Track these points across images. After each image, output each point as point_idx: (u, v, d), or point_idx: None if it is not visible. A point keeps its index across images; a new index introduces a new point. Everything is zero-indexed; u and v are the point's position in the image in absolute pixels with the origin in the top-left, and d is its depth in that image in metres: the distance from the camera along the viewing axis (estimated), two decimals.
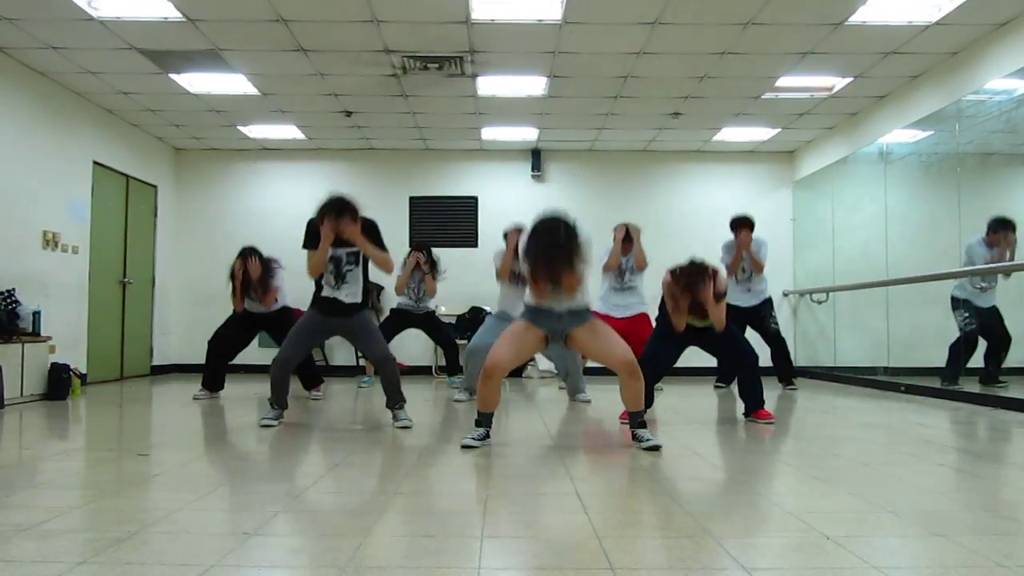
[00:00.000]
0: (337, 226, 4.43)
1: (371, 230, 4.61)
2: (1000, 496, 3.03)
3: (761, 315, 7.14)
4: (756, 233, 7.07)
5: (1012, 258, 6.19)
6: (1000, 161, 6.98)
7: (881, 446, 4.20)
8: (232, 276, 6.22)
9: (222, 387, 6.55)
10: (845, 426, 5.10)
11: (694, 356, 5.28)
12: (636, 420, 3.94)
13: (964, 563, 2.03)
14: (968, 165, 6.77)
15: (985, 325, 6.47)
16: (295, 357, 4.84)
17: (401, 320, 7.46)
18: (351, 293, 4.66)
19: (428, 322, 7.57)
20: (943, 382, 6.54)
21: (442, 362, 8.74)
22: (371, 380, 7.89)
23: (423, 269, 7.34)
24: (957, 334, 6.55)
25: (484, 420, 4.00)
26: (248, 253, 6.20)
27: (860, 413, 5.80)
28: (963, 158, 6.75)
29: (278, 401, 4.77)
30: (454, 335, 8.12)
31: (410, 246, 7.73)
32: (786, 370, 7.35)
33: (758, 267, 7.03)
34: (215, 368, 6.48)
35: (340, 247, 4.59)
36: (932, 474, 3.35)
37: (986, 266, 6.20)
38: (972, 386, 6.37)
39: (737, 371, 5.11)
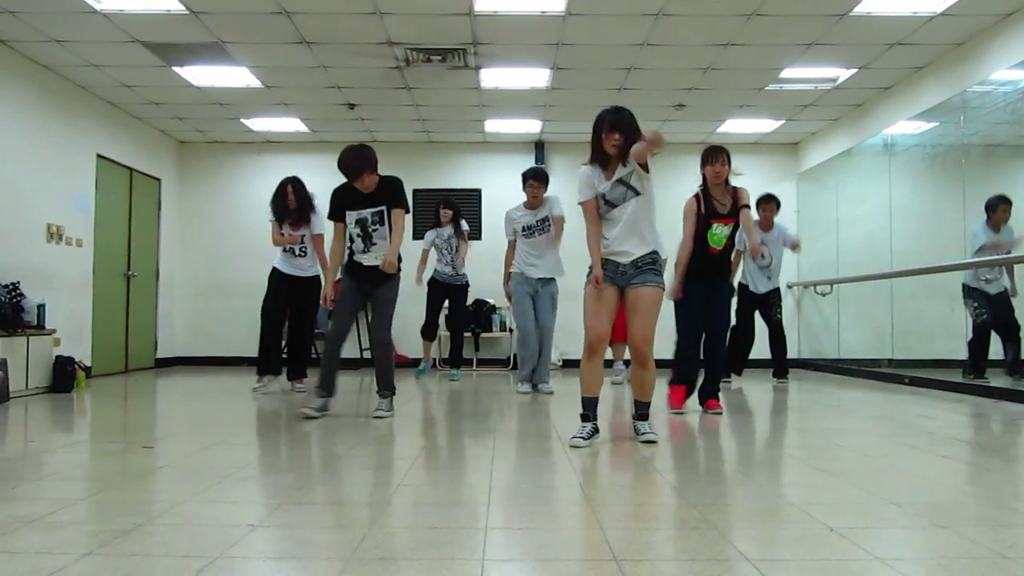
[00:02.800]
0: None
1: (393, 187, 4.63)
2: (1004, 488, 3.02)
3: (770, 302, 7.13)
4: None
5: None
6: (1005, 152, 6.94)
7: (885, 438, 4.19)
8: (275, 200, 6.12)
9: (278, 372, 6.21)
10: (849, 418, 5.10)
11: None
12: (640, 410, 3.92)
13: (968, 554, 2.04)
14: (973, 156, 6.74)
15: (997, 314, 6.31)
16: (344, 329, 4.78)
17: (440, 294, 7.53)
18: (379, 252, 4.60)
19: (458, 295, 7.61)
20: (964, 375, 6.44)
21: (444, 354, 8.74)
22: (426, 367, 7.98)
23: (458, 236, 7.38)
24: (966, 326, 6.50)
25: (591, 409, 3.80)
26: (288, 181, 6.15)
27: (864, 405, 5.80)
28: (968, 149, 6.73)
29: (324, 384, 4.70)
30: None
31: (439, 207, 7.61)
32: (781, 363, 7.33)
33: (796, 245, 7.07)
34: (268, 348, 6.11)
35: (365, 208, 4.58)
36: (936, 466, 3.35)
37: (990, 258, 6.17)
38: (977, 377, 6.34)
39: (706, 339, 5.02)
